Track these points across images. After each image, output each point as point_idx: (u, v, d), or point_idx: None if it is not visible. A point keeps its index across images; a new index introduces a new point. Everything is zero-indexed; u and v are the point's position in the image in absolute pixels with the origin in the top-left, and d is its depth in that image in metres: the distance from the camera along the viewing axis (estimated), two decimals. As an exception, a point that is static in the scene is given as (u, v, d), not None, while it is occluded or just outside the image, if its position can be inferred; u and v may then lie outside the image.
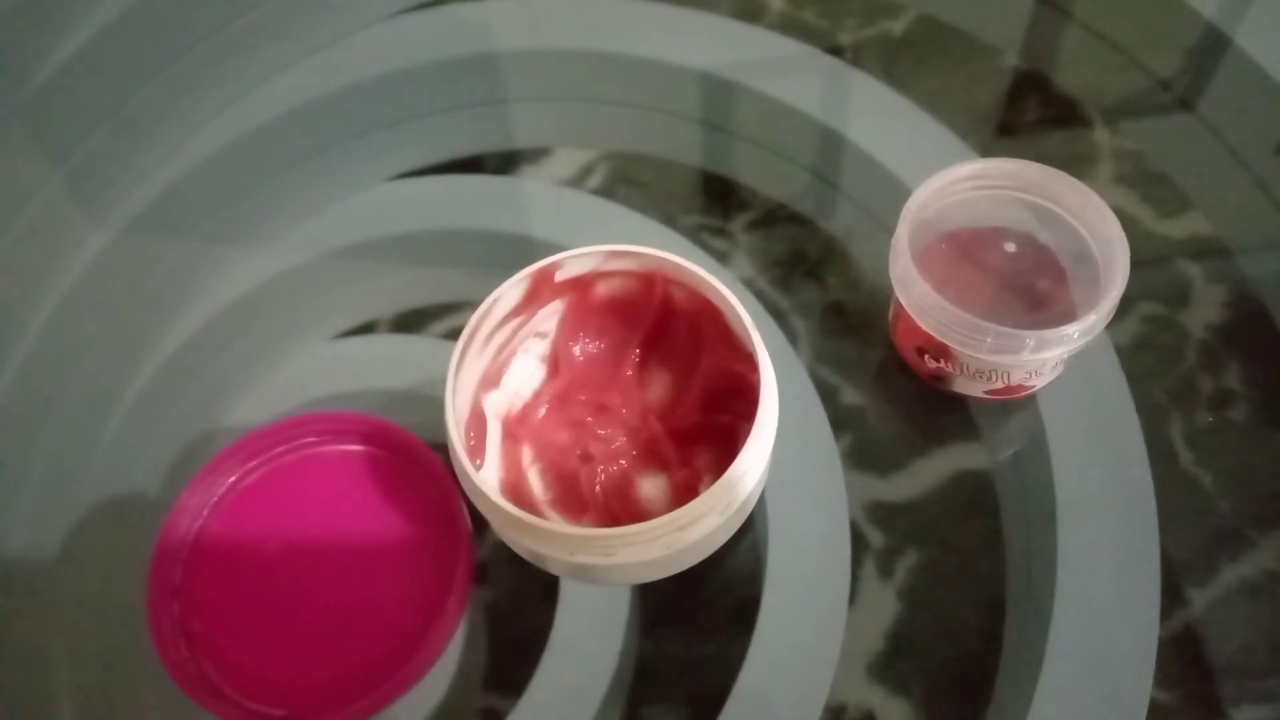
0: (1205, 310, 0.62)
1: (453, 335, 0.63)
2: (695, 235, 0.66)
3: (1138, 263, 0.52)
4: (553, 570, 0.51)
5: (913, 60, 0.73)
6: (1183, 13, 0.73)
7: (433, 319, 0.65)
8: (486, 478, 0.51)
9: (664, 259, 0.52)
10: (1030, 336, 0.50)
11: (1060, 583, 0.53)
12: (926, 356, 0.56)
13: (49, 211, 0.70)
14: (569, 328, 0.56)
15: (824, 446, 0.59)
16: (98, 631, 0.57)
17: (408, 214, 0.69)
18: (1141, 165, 0.67)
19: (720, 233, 0.67)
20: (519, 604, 0.56)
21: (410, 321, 0.65)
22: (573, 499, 0.53)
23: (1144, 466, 0.56)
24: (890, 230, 0.55)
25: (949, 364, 0.55)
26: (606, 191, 0.69)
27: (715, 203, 0.69)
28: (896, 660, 0.53)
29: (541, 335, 0.57)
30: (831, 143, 0.69)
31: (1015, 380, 0.55)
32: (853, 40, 0.74)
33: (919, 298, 0.53)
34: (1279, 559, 0.54)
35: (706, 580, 0.56)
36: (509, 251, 0.65)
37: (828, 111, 0.70)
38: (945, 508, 0.57)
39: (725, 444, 0.53)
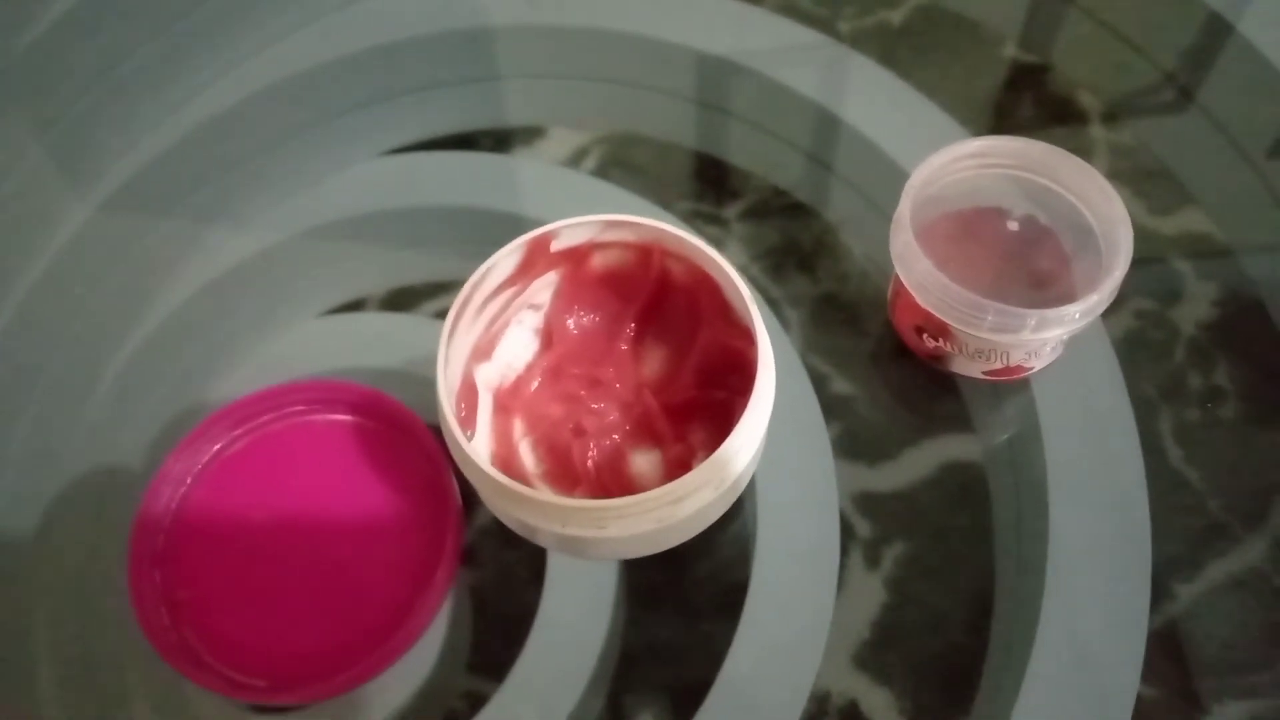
0: (1196, 307, 0.62)
1: (443, 314, 0.62)
2: (690, 221, 0.66)
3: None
4: (542, 543, 0.51)
5: (910, 50, 0.73)
6: (1185, 0, 0.73)
7: (423, 297, 0.65)
8: (477, 449, 0.50)
9: (662, 230, 0.52)
10: (1032, 315, 0.50)
11: (1049, 575, 0.53)
12: (925, 335, 0.56)
13: (33, 182, 0.70)
14: (563, 300, 0.56)
15: (815, 434, 0.58)
16: (79, 600, 0.56)
17: (399, 190, 0.69)
18: (1136, 161, 0.67)
19: (714, 219, 0.67)
20: (504, 587, 0.56)
21: (400, 299, 0.65)
22: (565, 473, 0.53)
23: (1137, 461, 0.56)
24: (887, 216, 0.55)
25: (948, 343, 0.55)
26: (601, 174, 0.69)
27: (710, 188, 0.68)
28: (882, 650, 0.53)
29: (535, 307, 0.56)
30: (830, 128, 0.69)
31: (1014, 361, 0.55)
32: (851, 29, 0.74)
33: (920, 275, 0.53)
34: (1265, 556, 0.54)
35: (694, 565, 0.56)
36: (502, 231, 0.64)
37: (826, 95, 0.69)
38: (934, 498, 0.57)
39: (720, 420, 0.53)
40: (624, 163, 0.69)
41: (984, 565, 0.55)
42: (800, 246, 0.65)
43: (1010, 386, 0.58)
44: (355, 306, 0.65)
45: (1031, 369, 0.57)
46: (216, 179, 0.70)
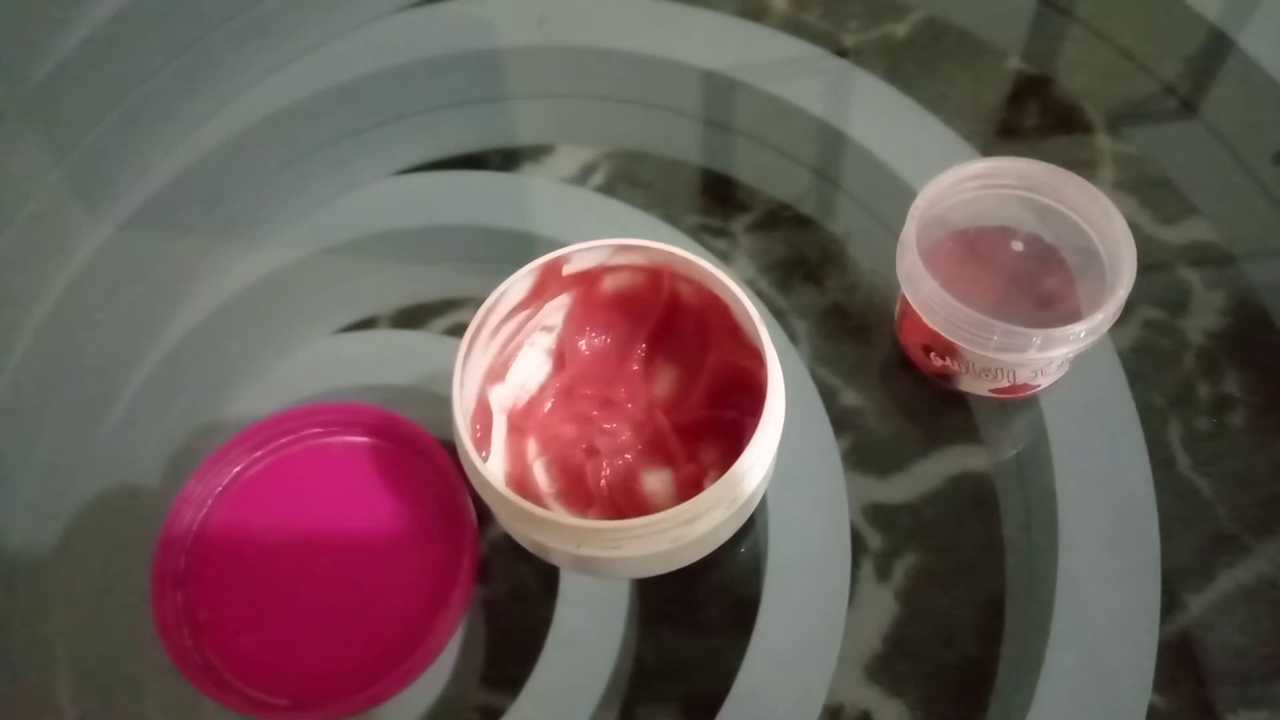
0: (1204, 316, 0.62)
1: (454, 332, 0.63)
2: (697, 235, 0.66)
3: (1138, 268, 0.52)
4: (556, 562, 0.51)
5: (915, 63, 0.73)
6: (1186, 15, 0.73)
7: (434, 315, 0.65)
8: (492, 470, 0.51)
9: (672, 253, 0.52)
10: (1037, 335, 0.50)
11: (1060, 586, 0.53)
12: (932, 354, 0.56)
13: (51, 205, 0.70)
14: (575, 322, 0.56)
15: (825, 447, 0.59)
16: (100, 620, 0.57)
17: (411, 209, 0.69)
18: (1142, 170, 0.67)
19: (721, 233, 0.67)
20: (518, 601, 0.56)
21: (411, 317, 0.65)
22: (578, 492, 0.53)
23: (1145, 471, 0.56)
24: (893, 231, 0.55)
25: (955, 362, 0.55)
26: (609, 190, 0.69)
27: (717, 203, 0.69)
28: (894, 662, 0.53)
29: (548, 329, 0.57)
30: (834, 142, 0.69)
31: (1021, 379, 0.55)
32: (855, 42, 0.74)
33: (926, 295, 0.53)
34: (1275, 565, 0.54)
35: (706, 579, 0.56)
36: (511, 248, 0.65)
37: (832, 111, 0.70)
38: (944, 510, 0.57)
39: (731, 439, 0.53)
40: (631, 179, 0.70)
41: (995, 576, 0.55)
42: (807, 259, 0.65)
43: (1017, 402, 0.59)
44: (367, 325, 0.65)
45: (1038, 387, 0.57)
46: (230, 200, 0.70)
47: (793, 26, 0.75)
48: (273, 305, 0.66)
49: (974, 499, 0.57)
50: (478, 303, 0.51)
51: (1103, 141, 0.68)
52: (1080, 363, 0.57)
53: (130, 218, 0.69)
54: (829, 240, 0.66)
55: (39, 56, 0.73)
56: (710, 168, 0.71)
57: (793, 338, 0.62)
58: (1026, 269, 0.55)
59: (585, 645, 0.54)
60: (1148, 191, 0.66)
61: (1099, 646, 0.52)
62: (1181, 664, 0.52)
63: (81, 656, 0.56)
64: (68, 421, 0.62)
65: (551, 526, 0.46)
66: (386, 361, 0.64)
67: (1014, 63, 0.73)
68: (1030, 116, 0.71)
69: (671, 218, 0.67)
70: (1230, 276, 0.63)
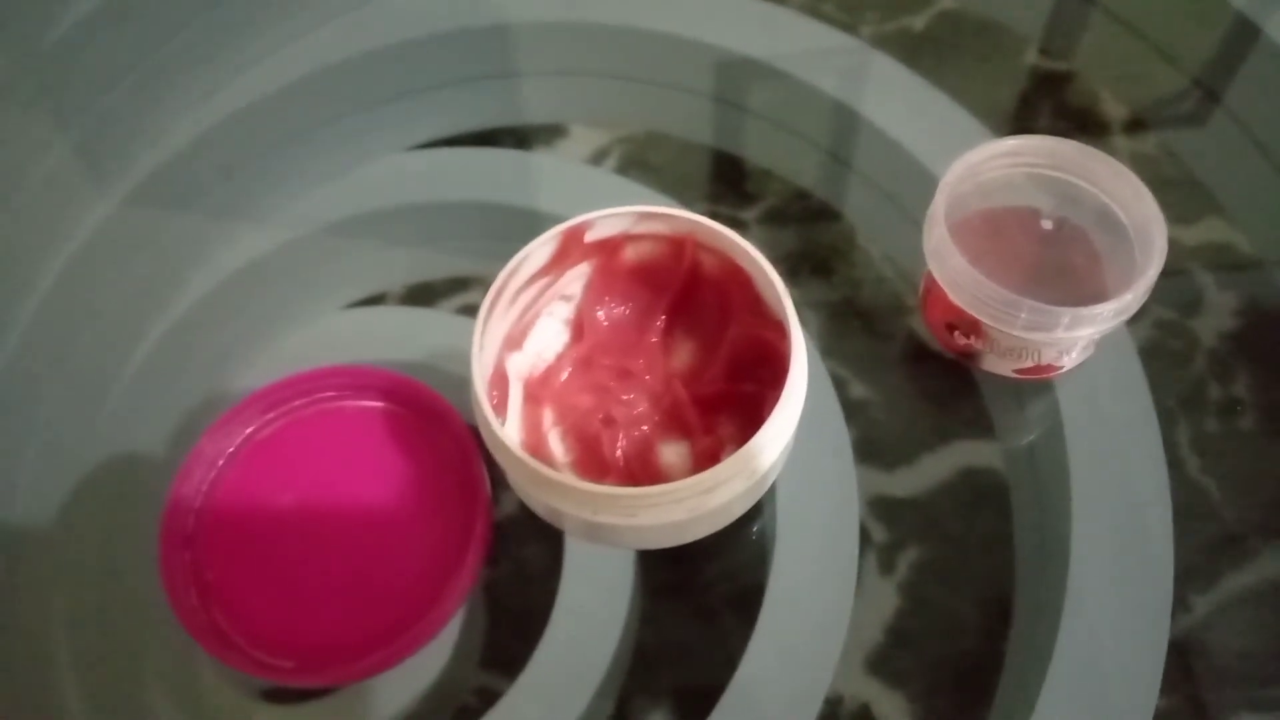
0: (1217, 318, 0.62)
1: (463, 310, 0.63)
2: (710, 223, 0.66)
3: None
4: (568, 529, 0.51)
5: (932, 57, 0.72)
6: (1211, 2, 0.72)
7: (442, 294, 0.65)
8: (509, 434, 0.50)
9: (696, 222, 0.52)
10: (1065, 314, 0.50)
11: (1070, 583, 0.53)
12: (956, 333, 0.56)
13: (59, 174, 0.70)
14: (595, 291, 0.56)
15: (836, 438, 0.58)
16: (106, 580, 0.57)
17: (421, 186, 0.69)
18: (1158, 170, 0.67)
19: (734, 222, 0.66)
20: (520, 583, 0.56)
21: (420, 295, 0.65)
22: (594, 462, 0.53)
23: (1161, 470, 0.56)
24: (909, 218, 0.55)
25: (980, 341, 0.55)
26: (622, 174, 0.69)
27: (729, 190, 0.69)
28: (895, 654, 0.53)
29: (566, 299, 0.56)
30: (852, 127, 0.69)
31: (1046, 359, 0.55)
32: (872, 34, 0.74)
33: (953, 271, 0.53)
34: (1282, 568, 0.54)
35: (711, 566, 0.56)
36: (522, 227, 0.64)
37: (850, 95, 0.69)
38: (951, 504, 0.57)
39: (749, 413, 0.52)
40: (645, 163, 0.70)
41: (1001, 572, 0.55)
42: (820, 250, 0.65)
43: (1032, 393, 0.58)
44: (375, 301, 0.65)
45: (1062, 368, 0.56)
46: (240, 173, 0.70)
47: (812, 14, 0.74)
48: (281, 279, 0.66)
49: (981, 494, 0.57)
50: (487, 281, 0.51)
51: (1120, 140, 0.69)
52: (1098, 358, 0.57)
53: (139, 188, 0.69)
54: (843, 231, 0.66)
55: (48, 25, 0.72)
56: (726, 152, 0.71)
57: (804, 329, 0.62)
58: (1054, 248, 0.55)
59: (587, 630, 0.54)
60: (1163, 191, 0.65)
61: (1106, 646, 0.52)
62: (1185, 665, 0.52)
63: (85, 615, 0.56)
64: (74, 391, 0.62)
65: (567, 491, 0.46)
66: (395, 337, 0.63)
67: (1031, 57, 0.74)
68: (1045, 115, 0.71)
69: (684, 203, 0.67)
70: (1245, 278, 0.63)
